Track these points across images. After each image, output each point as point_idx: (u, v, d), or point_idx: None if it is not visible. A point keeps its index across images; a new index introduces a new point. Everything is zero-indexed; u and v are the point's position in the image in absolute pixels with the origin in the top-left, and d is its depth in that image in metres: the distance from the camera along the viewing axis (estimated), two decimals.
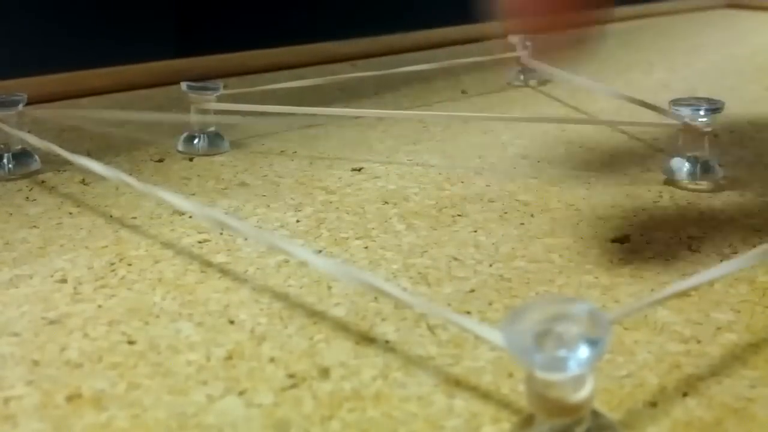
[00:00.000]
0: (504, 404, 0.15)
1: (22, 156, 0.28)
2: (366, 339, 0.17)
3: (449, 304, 0.18)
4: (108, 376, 0.16)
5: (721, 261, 0.21)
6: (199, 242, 0.22)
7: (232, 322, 0.18)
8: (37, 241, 0.22)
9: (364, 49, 0.52)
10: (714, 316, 0.18)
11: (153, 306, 0.18)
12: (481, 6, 0.20)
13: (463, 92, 0.42)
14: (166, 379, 0.15)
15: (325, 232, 0.23)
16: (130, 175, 0.22)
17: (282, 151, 0.31)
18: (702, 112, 0.26)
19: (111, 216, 0.24)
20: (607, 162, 0.29)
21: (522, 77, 0.43)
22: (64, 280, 0.20)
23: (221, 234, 0.22)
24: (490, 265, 0.20)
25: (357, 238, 0.22)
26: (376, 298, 0.18)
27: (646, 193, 0.26)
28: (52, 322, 0.18)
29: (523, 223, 0.23)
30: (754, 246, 0.21)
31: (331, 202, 0.25)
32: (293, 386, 0.15)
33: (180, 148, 0.31)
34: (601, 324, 0.12)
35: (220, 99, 0.31)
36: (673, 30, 0.69)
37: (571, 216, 0.24)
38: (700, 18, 0.76)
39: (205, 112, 0.31)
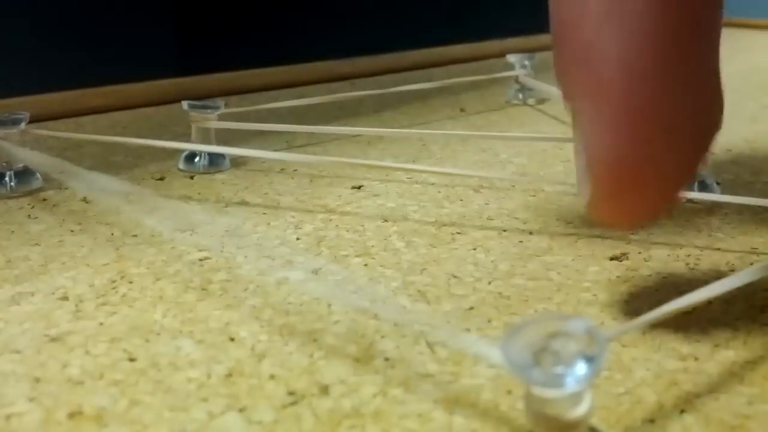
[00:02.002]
0: (503, 421, 0.15)
1: (24, 174, 0.28)
2: (366, 356, 0.17)
3: (449, 322, 0.18)
4: (109, 393, 0.16)
5: (719, 278, 0.21)
6: (200, 260, 0.22)
7: (232, 340, 0.18)
8: (39, 259, 0.22)
9: (364, 68, 0.52)
10: (712, 333, 0.18)
11: (154, 323, 0.18)
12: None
13: (462, 111, 0.42)
14: (167, 396, 0.15)
15: (325, 250, 0.23)
16: (131, 193, 0.23)
17: (282, 169, 0.31)
18: None
19: (112, 234, 0.24)
20: None
21: (521, 96, 0.44)
22: (65, 298, 0.20)
23: (222, 252, 0.22)
24: (489, 283, 0.21)
25: (357, 256, 0.22)
26: (375, 315, 0.19)
27: None
28: (53, 340, 0.18)
29: (521, 241, 0.23)
30: (752, 264, 0.22)
31: (330, 220, 0.25)
32: (293, 403, 0.15)
33: (181, 166, 0.31)
34: (599, 341, 0.12)
35: (221, 117, 0.31)
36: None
37: (570, 234, 0.24)
38: None
39: (206, 130, 0.31)
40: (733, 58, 0.63)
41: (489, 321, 0.19)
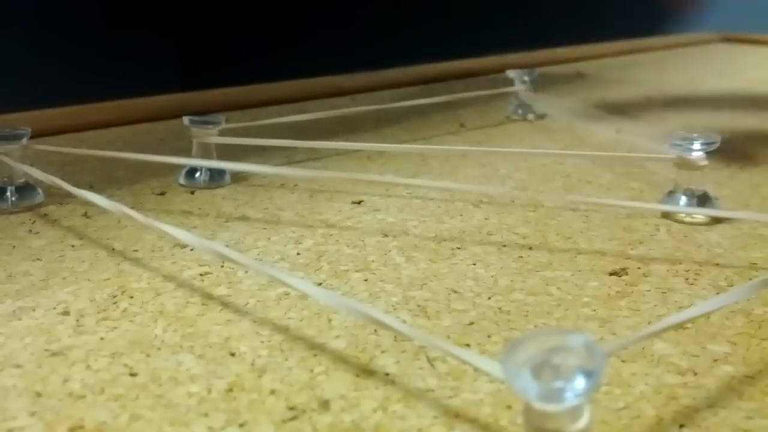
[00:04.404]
0: None
1: (26, 189, 0.28)
2: (366, 371, 0.17)
3: (449, 337, 0.19)
4: (110, 407, 0.16)
5: (718, 293, 0.21)
6: (201, 275, 0.22)
7: (232, 355, 0.18)
8: (40, 274, 0.22)
9: (364, 84, 0.53)
10: (710, 348, 0.18)
11: (154, 338, 0.18)
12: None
13: (462, 126, 0.42)
14: (168, 410, 0.16)
15: (325, 265, 0.23)
16: (132, 208, 0.23)
17: (282, 184, 0.31)
18: (698, 146, 0.26)
19: (113, 249, 0.24)
20: (605, 195, 0.30)
21: (520, 111, 0.44)
22: (66, 313, 0.20)
23: (222, 267, 0.22)
24: (489, 298, 0.21)
25: (357, 271, 0.22)
26: (375, 330, 0.19)
27: (644, 227, 0.26)
28: (54, 354, 0.18)
29: (521, 256, 0.23)
30: (750, 279, 0.22)
31: (331, 235, 0.25)
32: (293, 418, 0.15)
33: (181, 181, 0.31)
34: (597, 356, 0.12)
35: (222, 133, 0.31)
36: (669, 64, 0.69)
37: (569, 249, 0.24)
38: (696, 52, 0.77)
39: (207, 145, 0.31)
40: (732, 74, 0.63)
41: (489, 336, 0.19)
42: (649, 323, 0.19)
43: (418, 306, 0.20)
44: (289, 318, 0.19)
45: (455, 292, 0.21)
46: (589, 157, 0.35)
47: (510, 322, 0.19)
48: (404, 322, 0.19)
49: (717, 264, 0.23)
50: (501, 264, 0.23)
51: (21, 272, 0.22)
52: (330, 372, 0.17)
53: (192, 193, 0.30)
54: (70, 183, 0.25)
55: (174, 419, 0.15)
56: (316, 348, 0.18)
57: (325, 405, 0.16)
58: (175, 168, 0.31)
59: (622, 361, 0.17)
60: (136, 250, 0.24)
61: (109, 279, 0.22)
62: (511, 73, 0.44)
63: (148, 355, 0.18)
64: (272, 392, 0.16)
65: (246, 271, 0.22)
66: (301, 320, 0.19)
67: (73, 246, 0.24)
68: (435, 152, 0.36)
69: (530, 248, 0.24)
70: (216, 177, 0.31)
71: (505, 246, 0.24)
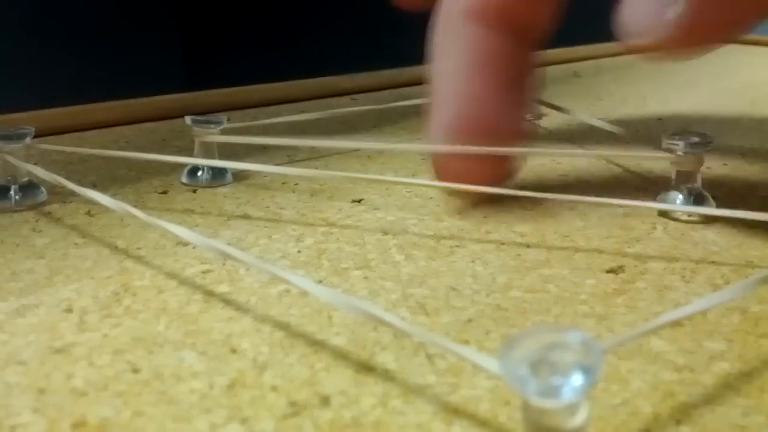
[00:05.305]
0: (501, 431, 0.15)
1: (29, 188, 0.28)
2: (366, 368, 0.17)
3: (447, 334, 0.19)
4: (113, 404, 0.16)
5: (714, 291, 0.21)
6: (203, 272, 0.22)
7: (234, 351, 0.18)
8: (44, 272, 0.22)
9: (364, 84, 0.53)
10: (707, 345, 0.18)
11: (157, 335, 0.19)
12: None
13: None
14: (170, 407, 0.16)
15: (326, 263, 0.23)
16: (135, 206, 0.23)
17: (283, 183, 0.31)
18: (695, 146, 0.27)
19: (116, 247, 0.24)
20: (602, 194, 0.30)
21: None
22: (69, 310, 0.20)
23: (224, 264, 0.23)
24: (488, 295, 0.21)
25: (357, 269, 0.23)
26: (375, 327, 0.19)
27: (640, 225, 0.26)
28: (58, 351, 0.18)
29: (519, 254, 0.24)
30: (746, 276, 0.22)
31: (331, 233, 0.26)
32: (294, 414, 0.15)
33: (183, 180, 0.31)
34: (595, 352, 0.13)
35: (223, 132, 0.32)
36: (666, 64, 0.70)
37: (567, 247, 0.24)
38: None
39: (208, 145, 0.31)
40: (730, 74, 0.63)
41: (487, 333, 0.19)
42: (645, 320, 0.19)
43: (418, 303, 0.20)
44: (290, 315, 0.20)
45: (454, 289, 0.21)
46: (586, 156, 0.35)
47: (508, 319, 0.19)
48: (404, 319, 0.19)
49: (713, 262, 0.23)
50: (499, 262, 0.23)
51: (25, 270, 0.23)
52: (330, 368, 0.17)
53: (194, 191, 0.30)
54: (73, 182, 0.25)
55: (176, 415, 0.15)
56: (317, 345, 0.18)
57: (325, 401, 0.16)
58: (177, 167, 0.31)
59: (619, 358, 0.17)
60: (138, 248, 0.24)
61: (112, 276, 0.22)
62: None
63: (150, 352, 0.18)
64: (273, 388, 0.16)
65: (247, 269, 0.22)
66: (301, 317, 0.19)
67: (76, 244, 0.25)
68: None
69: (528, 246, 0.24)
70: (218, 176, 0.31)
71: (503, 244, 0.24)
